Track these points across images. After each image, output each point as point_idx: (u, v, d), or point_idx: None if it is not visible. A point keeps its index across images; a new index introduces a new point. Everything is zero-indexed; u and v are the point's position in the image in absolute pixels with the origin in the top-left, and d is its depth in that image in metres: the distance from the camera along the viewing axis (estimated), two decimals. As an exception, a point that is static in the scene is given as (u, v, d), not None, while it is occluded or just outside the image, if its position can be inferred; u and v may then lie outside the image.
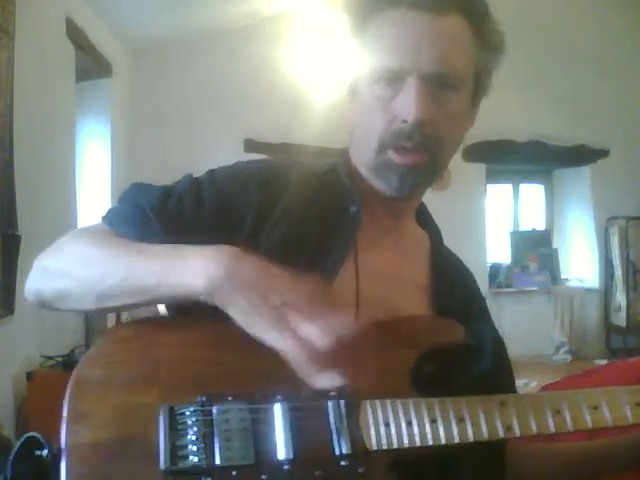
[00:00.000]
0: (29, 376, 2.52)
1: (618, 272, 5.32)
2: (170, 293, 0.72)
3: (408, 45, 0.80)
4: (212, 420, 0.69)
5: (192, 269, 0.71)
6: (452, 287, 0.91)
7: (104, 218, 0.83)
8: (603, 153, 5.44)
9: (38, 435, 0.68)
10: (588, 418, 0.74)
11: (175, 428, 0.68)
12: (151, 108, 4.57)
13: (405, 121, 0.79)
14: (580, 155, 5.41)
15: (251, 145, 4.74)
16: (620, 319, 5.30)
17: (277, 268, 0.69)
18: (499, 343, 0.96)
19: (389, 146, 0.81)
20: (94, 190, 3.89)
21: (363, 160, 0.86)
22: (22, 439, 0.68)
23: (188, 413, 0.69)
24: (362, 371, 0.68)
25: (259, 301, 0.66)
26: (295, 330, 0.65)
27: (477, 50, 0.83)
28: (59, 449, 0.67)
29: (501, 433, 0.72)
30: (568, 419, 0.74)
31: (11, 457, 0.69)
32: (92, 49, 3.59)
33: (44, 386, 2.41)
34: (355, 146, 0.89)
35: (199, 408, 0.70)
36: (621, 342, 5.32)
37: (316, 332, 0.64)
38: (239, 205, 0.81)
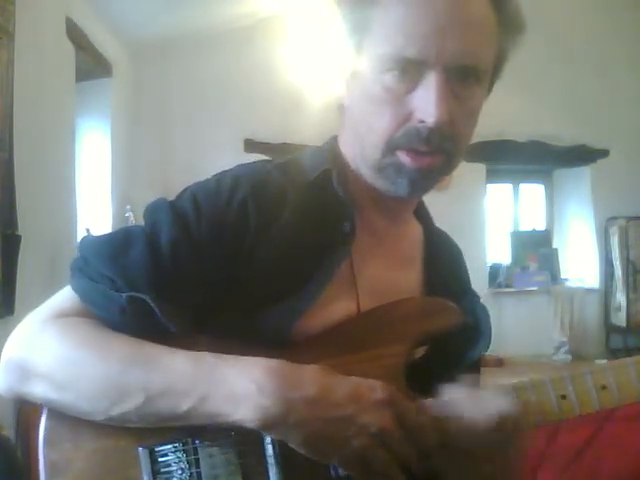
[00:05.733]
0: (29, 376, 2.51)
1: (618, 272, 5.31)
2: (205, 421, 0.62)
3: (431, 32, 0.66)
4: (198, 459, 0.64)
5: (238, 397, 0.60)
6: (446, 286, 0.84)
7: (85, 298, 0.69)
8: (603, 153, 5.43)
9: None
10: (596, 400, 0.69)
11: (159, 472, 0.64)
12: (151, 108, 4.57)
13: (422, 122, 0.68)
14: (580, 155, 5.41)
15: (251, 145, 4.73)
16: (620, 319, 5.29)
17: (339, 383, 0.62)
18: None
19: (400, 147, 0.70)
20: (94, 190, 3.88)
21: (364, 159, 0.75)
22: None
23: (170, 454, 0.64)
24: None
25: (324, 435, 0.60)
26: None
27: (499, 31, 0.71)
28: None
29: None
30: (575, 403, 0.69)
31: None
32: (92, 49, 3.59)
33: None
34: (352, 142, 0.78)
35: (181, 447, 0.64)
36: (621, 342, 5.31)
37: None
38: (239, 233, 0.71)
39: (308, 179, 0.77)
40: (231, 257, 0.71)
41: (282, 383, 0.61)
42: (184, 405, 0.61)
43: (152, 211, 0.73)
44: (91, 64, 3.64)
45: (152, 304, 0.65)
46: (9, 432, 2.35)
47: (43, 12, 2.90)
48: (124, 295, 0.66)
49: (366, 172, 0.76)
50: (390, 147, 0.71)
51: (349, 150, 0.80)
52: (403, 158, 0.70)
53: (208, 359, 0.64)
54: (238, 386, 0.61)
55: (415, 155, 0.70)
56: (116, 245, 0.71)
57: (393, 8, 0.68)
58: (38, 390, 0.66)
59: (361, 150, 0.75)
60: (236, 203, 0.72)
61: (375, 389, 0.62)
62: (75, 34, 3.28)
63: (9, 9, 2.41)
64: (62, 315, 0.69)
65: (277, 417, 0.60)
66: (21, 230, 2.48)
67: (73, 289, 0.70)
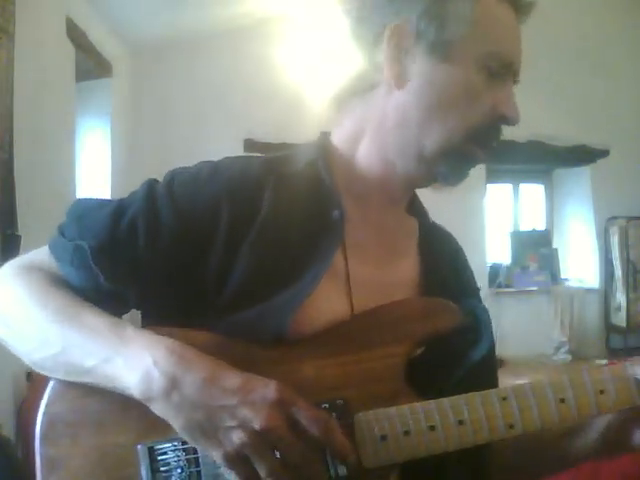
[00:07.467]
0: (29, 376, 2.52)
1: (618, 272, 5.31)
2: (104, 381, 0.65)
3: (514, 41, 0.76)
4: (197, 458, 0.64)
5: (134, 366, 0.62)
6: (445, 282, 0.83)
7: (51, 248, 0.75)
8: (603, 153, 5.43)
9: None
10: (594, 404, 0.68)
11: (158, 470, 0.64)
12: (151, 108, 4.56)
13: (504, 119, 0.76)
14: (580, 155, 5.40)
15: (251, 145, 4.73)
16: (620, 319, 5.29)
17: (232, 373, 0.61)
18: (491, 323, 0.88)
19: (477, 140, 0.75)
20: (94, 190, 3.88)
21: (419, 141, 0.75)
22: None
23: (170, 452, 0.64)
24: None
25: (204, 422, 0.59)
26: (245, 456, 0.58)
27: None
28: None
29: (503, 432, 0.67)
30: (574, 407, 0.68)
31: None
32: (92, 49, 3.59)
33: (44, 386, 2.40)
34: (416, 121, 0.76)
35: (180, 446, 0.64)
36: (621, 342, 5.31)
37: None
38: (205, 231, 0.71)
39: (295, 170, 0.78)
40: (200, 246, 0.71)
41: (176, 362, 0.61)
42: (88, 362, 0.65)
43: (140, 185, 0.77)
44: (91, 64, 3.64)
45: (87, 250, 0.69)
46: (9, 432, 2.35)
47: (43, 12, 2.90)
48: (71, 243, 0.72)
49: (402, 159, 0.77)
50: (469, 137, 0.75)
51: (368, 144, 0.80)
52: (476, 150, 0.76)
53: (124, 328, 0.66)
54: (138, 356, 0.63)
55: (485, 149, 0.77)
56: (91, 206, 0.76)
57: (493, 10, 0.74)
58: None
59: (418, 135, 0.75)
60: (209, 193, 0.73)
61: (268, 386, 0.60)
62: (75, 34, 3.28)
63: (9, 9, 2.41)
64: (30, 265, 0.75)
65: (160, 391, 0.60)
66: (21, 230, 2.48)
67: (48, 242, 0.76)
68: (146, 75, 4.57)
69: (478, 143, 0.76)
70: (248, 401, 0.59)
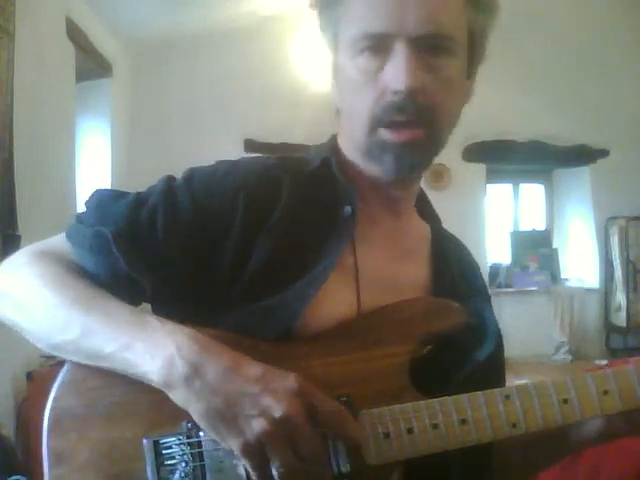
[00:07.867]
0: (29, 376, 2.52)
1: (618, 272, 5.31)
2: (123, 366, 0.65)
3: (392, 5, 0.70)
4: (202, 452, 0.65)
5: (156, 352, 0.63)
6: (454, 284, 0.84)
7: (68, 235, 0.76)
8: (603, 153, 5.43)
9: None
10: (597, 405, 0.68)
11: (163, 464, 0.64)
12: (151, 108, 4.57)
13: (396, 92, 0.69)
14: (580, 155, 5.41)
15: (251, 145, 4.73)
16: (620, 319, 5.29)
17: (253, 363, 0.62)
18: (498, 325, 0.88)
19: (380, 123, 0.72)
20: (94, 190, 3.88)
21: (354, 144, 0.78)
22: None
23: (175, 446, 0.65)
24: None
25: (225, 409, 0.59)
26: (264, 446, 0.58)
27: (469, 9, 0.73)
28: None
29: (507, 431, 0.67)
30: (577, 408, 0.68)
31: None
32: (92, 49, 3.59)
33: (44, 386, 2.39)
34: (344, 130, 0.81)
35: (185, 440, 0.65)
36: (621, 342, 5.32)
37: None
38: (222, 222, 0.73)
39: (309, 169, 0.80)
40: (217, 236, 0.73)
41: (199, 349, 0.62)
42: (108, 348, 0.65)
43: (158, 181, 0.78)
44: (91, 64, 3.64)
45: (109, 236, 0.70)
46: (9, 432, 2.36)
47: (43, 12, 2.91)
48: (90, 230, 0.73)
49: (359, 159, 0.79)
50: (372, 125, 0.73)
51: (345, 142, 0.83)
52: (385, 134, 0.72)
53: (145, 315, 0.67)
54: (161, 343, 0.63)
55: (396, 129, 0.72)
56: (110, 196, 0.78)
57: None
58: (6, 309, 0.73)
59: (352, 139, 0.78)
60: (226, 185, 0.75)
61: (287, 377, 0.61)
62: (75, 34, 3.28)
63: (9, 9, 2.41)
64: (45, 251, 0.76)
65: (181, 378, 0.61)
66: (21, 230, 2.49)
67: (65, 230, 0.77)
68: (146, 75, 4.57)
69: (385, 125, 0.72)
70: (269, 389, 0.60)
